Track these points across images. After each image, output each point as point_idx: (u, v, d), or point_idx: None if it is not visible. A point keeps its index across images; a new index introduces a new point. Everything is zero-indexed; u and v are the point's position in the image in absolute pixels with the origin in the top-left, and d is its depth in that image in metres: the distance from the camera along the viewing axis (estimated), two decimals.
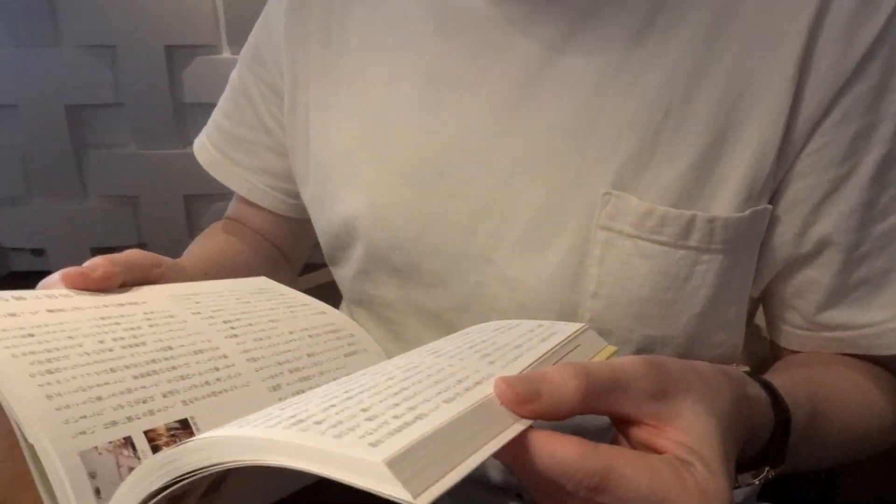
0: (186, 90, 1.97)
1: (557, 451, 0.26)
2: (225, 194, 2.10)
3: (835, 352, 0.50)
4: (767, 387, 0.39)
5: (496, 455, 0.25)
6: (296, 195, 0.68)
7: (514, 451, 0.27)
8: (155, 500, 0.25)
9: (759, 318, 0.58)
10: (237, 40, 1.92)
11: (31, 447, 0.28)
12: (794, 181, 0.46)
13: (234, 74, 0.69)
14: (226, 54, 1.95)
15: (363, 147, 0.56)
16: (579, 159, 0.48)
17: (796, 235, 0.47)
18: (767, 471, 0.38)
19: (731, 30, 0.45)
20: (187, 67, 1.95)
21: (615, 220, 0.47)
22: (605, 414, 0.29)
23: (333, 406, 0.26)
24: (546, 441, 0.26)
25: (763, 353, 0.58)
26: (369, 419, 0.24)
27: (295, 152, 0.63)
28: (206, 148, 0.70)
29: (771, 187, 0.46)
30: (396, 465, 0.21)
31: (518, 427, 0.26)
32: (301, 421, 0.24)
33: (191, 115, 2.03)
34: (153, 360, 0.35)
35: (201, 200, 2.09)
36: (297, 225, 0.72)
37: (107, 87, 1.95)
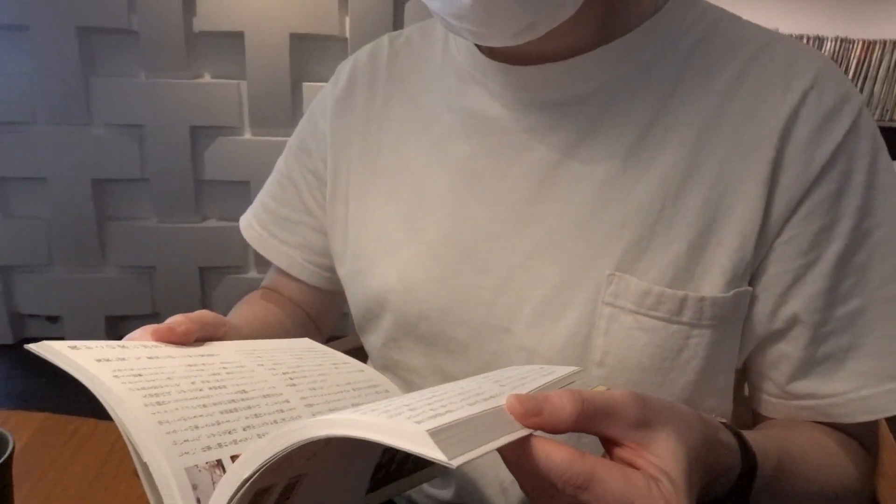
0: (207, 168, 2.09)
1: (552, 453, 0.33)
2: (238, 267, 2.18)
3: (806, 419, 0.57)
4: (739, 437, 0.45)
5: (504, 451, 0.32)
6: (331, 269, 0.76)
7: (519, 450, 0.34)
8: (243, 489, 0.31)
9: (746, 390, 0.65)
10: (259, 123, 2.05)
11: (144, 465, 0.35)
12: (768, 266, 0.54)
13: (280, 161, 0.78)
14: (247, 135, 2.07)
15: (397, 230, 0.64)
16: (587, 245, 0.56)
17: (770, 313, 0.55)
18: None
19: (714, 140, 0.54)
20: (209, 147, 2.07)
21: (618, 297, 0.55)
22: (594, 434, 0.36)
23: (383, 406, 0.33)
24: (544, 445, 0.34)
25: (748, 420, 0.64)
26: (412, 410, 0.32)
27: (334, 232, 0.71)
28: (251, 226, 0.78)
29: (750, 272, 0.54)
30: (436, 435, 0.28)
31: (523, 432, 0.33)
32: (357, 411, 0.32)
33: (209, 192, 2.13)
34: (233, 401, 0.42)
35: (215, 272, 2.16)
36: (329, 296, 0.79)
37: (133, 163, 2.06)
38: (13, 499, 0.43)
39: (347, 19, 2.00)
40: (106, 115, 2.02)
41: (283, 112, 2.05)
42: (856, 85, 2.30)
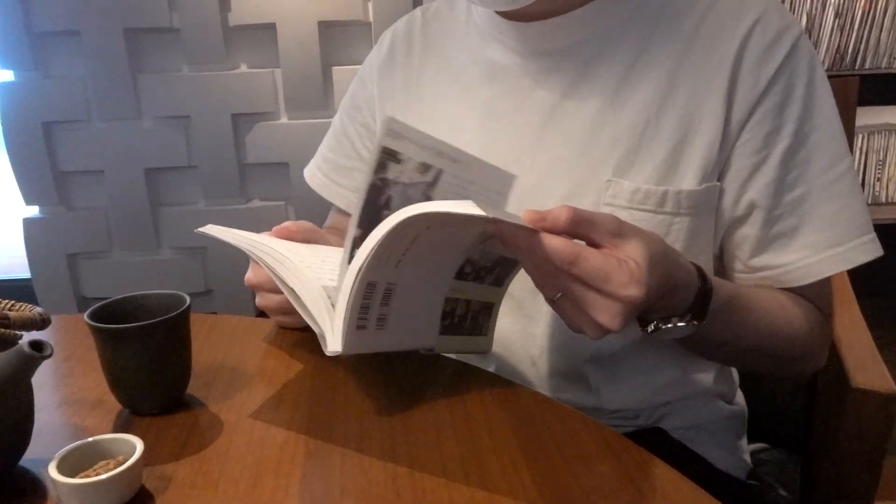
0: (249, 152, 2.26)
1: (551, 239, 0.48)
2: None
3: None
4: (697, 266, 0.59)
5: (519, 241, 0.48)
6: None
7: (530, 238, 0.49)
8: (359, 275, 0.48)
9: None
10: (294, 107, 2.21)
11: (292, 290, 0.52)
12: (731, 165, 0.68)
13: (335, 119, 0.94)
14: (283, 120, 2.24)
15: None
16: (588, 161, 0.71)
17: (733, 202, 0.69)
18: (691, 317, 0.57)
19: (684, 70, 0.68)
20: (249, 133, 2.24)
21: (615, 197, 0.69)
22: (581, 238, 0.51)
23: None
24: (547, 236, 0.48)
25: None
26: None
27: None
28: (315, 175, 0.94)
29: (718, 170, 0.68)
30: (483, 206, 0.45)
31: (512, 216, 0.49)
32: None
33: (251, 175, 2.30)
34: (324, 262, 0.59)
35: None
36: None
37: (181, 151, 2.24)
38: (191, 348, 0.60)
39: (370, 5, 2.14)
40: (154, 108, 2.20)
41: (315, 96, 2.20)
42: (861, 34, 2.40)
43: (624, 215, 0.69)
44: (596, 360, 0.75)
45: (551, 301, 0.53)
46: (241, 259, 0.63)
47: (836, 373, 0.78)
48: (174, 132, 2.22)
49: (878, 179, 2.54)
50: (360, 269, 0.48)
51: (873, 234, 0.67)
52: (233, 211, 2.29)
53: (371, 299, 0.51)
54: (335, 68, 2.18)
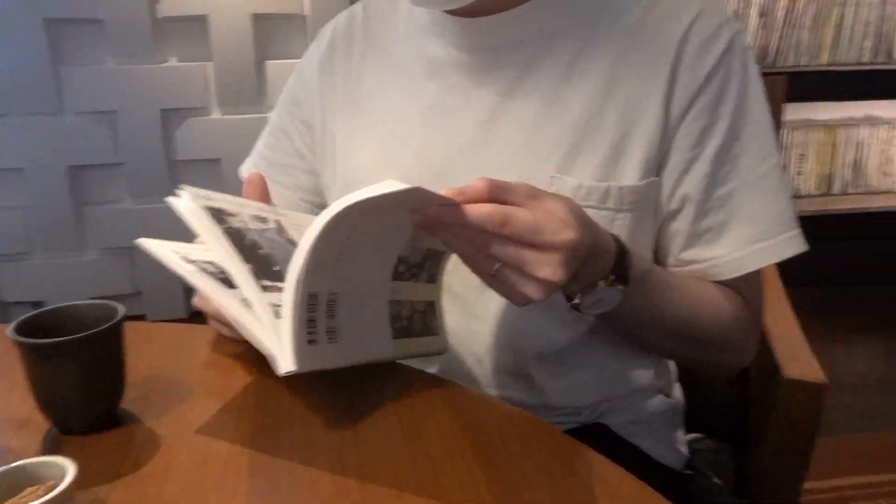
0: (179, 149, 2.19)
1: (479, 207, 0.50)
2: None
3: None
4: (611, 233, 0.61)
5: (446, 218, 0.49)
6: (321, 206, 0.90)
7: (456, 210, 0.50)
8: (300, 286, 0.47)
9: None
10: (226, 102, 2.15)
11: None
12: (668, 159, 0.69)
13: (273, 116, 0.92)
14: (215, 115, 2.17)
15: (379, 160, 0.79)
16: (534, 157, 0.71)
17: (668, 196, 0.70)
18: (614, 279, 0.59)
19: (625, 67, 0.69)
20: (180, 128, 2.17)
21: (560, 193, 0.70)
22: (502, 203, 0.52)
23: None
24: (473, 205, 0.50)
25: None
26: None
27: (324, 169, 0.85)
28: (250, 172, 0.92)
29: (657, 164, 0.70)
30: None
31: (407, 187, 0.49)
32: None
33: (182, 171, 2.23)
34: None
35: None
36: None
37: (107, 148, 2.15)
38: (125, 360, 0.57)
39: None
40: (77, 103, 2.10)
41: (249, 91, 2.15)
42: (783, 32, 2.49)
43: None
44: (541, 357, 0.75)
45: (490, 277, 0.54)
46: None
47: (768, 364, 0.81)
48: (99, 128, 2.13)
49: (799, 173, 2.65)
50: (297, 280, 0.47)
51: (799, 230, 0.70)
52: (162, 209, 2.19)
53: (316, 312, 0.50)
54: (269, 62, 2.14)
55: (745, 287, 0.73)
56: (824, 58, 2.57)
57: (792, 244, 0.69)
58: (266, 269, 0.56)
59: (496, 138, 0.73)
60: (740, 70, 0.68)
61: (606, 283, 0.59)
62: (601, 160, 0.69)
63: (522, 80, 0.72)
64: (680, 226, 0.71)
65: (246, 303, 0.52)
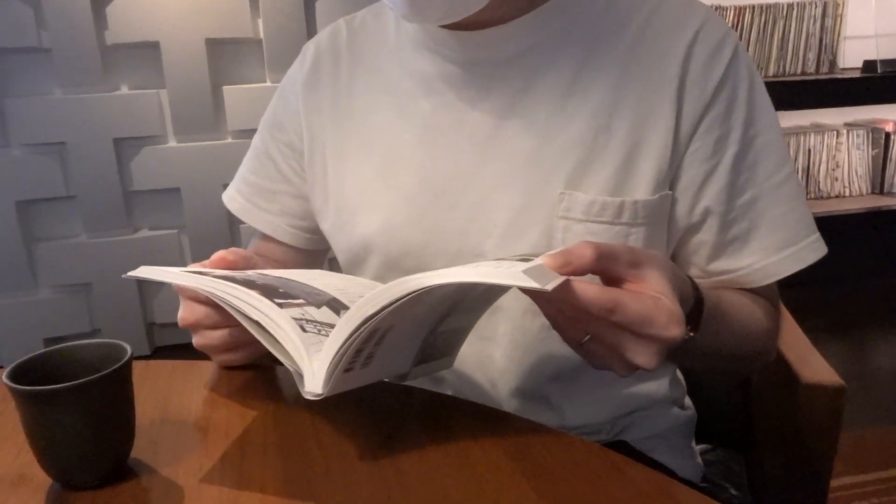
0: (135, 179, 2.11)
1: (587, 289, 0.46)
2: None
3: None
4: (688, 275, 0.59)
5: (552, 294, 0.45)
6: (311, 231, 0.86)
7: (563, 290, 0.46)
8: (368, 324, 0.43)
9: None
10: (182, 130, 2.08)
11: (256, 324, 0.47)
12: (682, 174, 0.68)
13: (255, 139, 0.87)
14: (172, 143, 2.10)
15: (375, 182, 0.75)
16: (539, 173, 0.69)
17: (688, 210, 0.69)
18: (689, 329, 0.57)
19: (630, 78, 0.68)
20: (135, 158, 2.09)
21: (570, 210, 0.68)
22: (602, 273, 0.49)
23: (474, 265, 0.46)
24: (580, 283, 0.46)
25: None
26: (497, 266, 0.45)
27: (314, 193, 0.81)
28: (235, 199, 0.87)
29: (669, 179, 0.68)
30: (528, 272, 0.42)
31: (562, 278, 0.46)
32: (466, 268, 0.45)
33: (139, 203, 2.15)
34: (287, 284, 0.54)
35: (153, 284, 2.18)
36: (311, 256, 0.89)
37: (57, 181, 2.06)
38: (132, 396, 0.52)
39: (260, 21, 2.06)
40: (23, 135, 2.01)
41: (205, 117, 2.09)
42: None
43: (579, 228, 0.68)
44: (557, 377, 0.73)
45: (577, 344, 0.51)
46: (129, 294, 0.56)
47: (780, 370, 0.80)
48: (48, 160, 2.04)
49: None
50: (368, 319, 0.44)
51: (818, 233, 0.69)
52: (119, 243, 2.12)
53: (367, 342, 0.46)
54: (226, 88, 2.08)
55: (769, 291, 0.72)
56: (771, 69, 2.65)
57: (816, 247, 0.69)
58: (272, 293, 0.52)
59: (497, 155, 0.70)
60: (746, 78, 0.68)
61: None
62: (611, 175, 0.67)
63: (523, 95, 0.70)
64: (704, 237, 0.69)
65: (263, 319, 0.49)
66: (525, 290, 0.44)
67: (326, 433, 0.54)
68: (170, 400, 0.60)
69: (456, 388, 0.75)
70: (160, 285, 2.18)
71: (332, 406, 0.56)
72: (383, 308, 0.43)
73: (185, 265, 0.79)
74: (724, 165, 0.67)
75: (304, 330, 0.48)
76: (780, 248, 0.68)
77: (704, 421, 0.95)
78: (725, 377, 0.95)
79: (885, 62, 2.53)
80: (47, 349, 0.51)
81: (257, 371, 0.65)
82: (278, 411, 0.57)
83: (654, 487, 0.47)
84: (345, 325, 0.45)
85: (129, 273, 0.53)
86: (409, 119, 0.74)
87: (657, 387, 0.78)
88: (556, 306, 0.50)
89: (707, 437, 0.98)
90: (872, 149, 2.77)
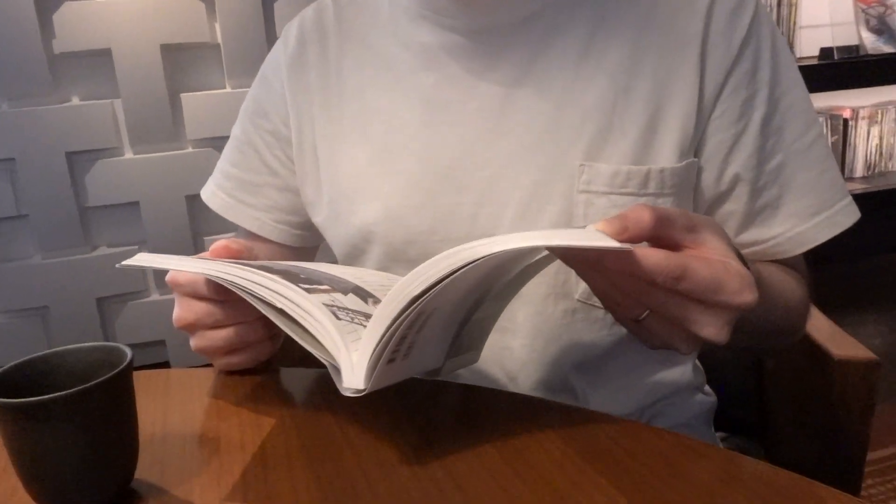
0: (91, 194, 2.00)
1: (650, 255, 0.41)
2: (138, 292, 2.11)
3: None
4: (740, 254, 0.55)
5: (610, 263, 0.40)
6: (300, 226, 0.79)
7: (626, 258, 0.41)
8: (417, 304, 0.37)
9: None
10: (139, 140, 1.99)
11: (280, 312, 0.41)
12: (708, 139, 0.64)
13: (235, 129, 0.80)
14: (129, 155, 2.00)
15: (373, 167, 0.70)
16: (555, 145, 0.64)
17: (716, 178, 0.65)
18: None
19: (649, 40, 0.63)
20: (89, 172, 1.99)
21: (591, 183, 0.63)
22: (661, 238, 0.44)
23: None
24: (645, 251, 0.41)
25: None
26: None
27: (305, 183, 0.75)
28: (216, 195, 0.80)
29: (695, 145, 0.64)
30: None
31: (615, 243, 0.41)
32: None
33: (96, 219, 2.04)
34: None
35: (114, 301, 2.07)
36: (298, 254, 0.83)
37: (7, 200, 1.94)
38: (135, 406, 0.45)
39: (217, 25, 1.98)
40: None
41: (163, 126, 2.00)
42: None
43: (602, 202, 0.63)
44: (581, 366, 0.68)
45: (634, 322, 0.46)
46: (89, 315, 0.49)
47: (804, 349, 0.77)
48: None
49: None
50: (418, 299, 0.38)
51: (850, 196, 0.66)
52: (77, 262, 2.01)
53: (411, 328, 0.40)
54: (185, 95, 1.99)
55: (799, 261, 0.68)
56: None
57: (849, 211, 0.65)
58: (294, 279, 0.46)
59: (509, 129, 0.65)
60: (769, 37, 0.64)
61: None
62: (633, 143, 0.63)
63: (534, 62, 0.65)
64: (734, 207, 0.66)
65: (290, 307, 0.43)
66: (599, 253, 0.39)
67: (358, 437, 0.47)
68: (170, 412, 0.53)
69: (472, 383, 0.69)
70: (121, 305, 2.08)
71: (358, 407, 0.50)
72: (437, 283, 0.38)
73: (147, 285, 0.72)
74: (753, 129, 0.64)
75: (336, 318, 0.42)
76: (812, 214, 0.65)
77: (718, 408, 0.91)
78: (747, 358, 0.92)
79: (841, 48, 2.57)
80: (31, 356, 0.44)
81: (264, 375, 0.58)
82: (297, 417, 0.51)
83: (739, 469, 0.43)
84: (387, 309, 0.39)
85: (125, 262, 0.46)
86: (408, 96, 0.69)
87: (681, 372, 0.74)
88: (610, 280, 0.45)
89: (721, 424, 0.94)
90: (832, 135, 2.81)
